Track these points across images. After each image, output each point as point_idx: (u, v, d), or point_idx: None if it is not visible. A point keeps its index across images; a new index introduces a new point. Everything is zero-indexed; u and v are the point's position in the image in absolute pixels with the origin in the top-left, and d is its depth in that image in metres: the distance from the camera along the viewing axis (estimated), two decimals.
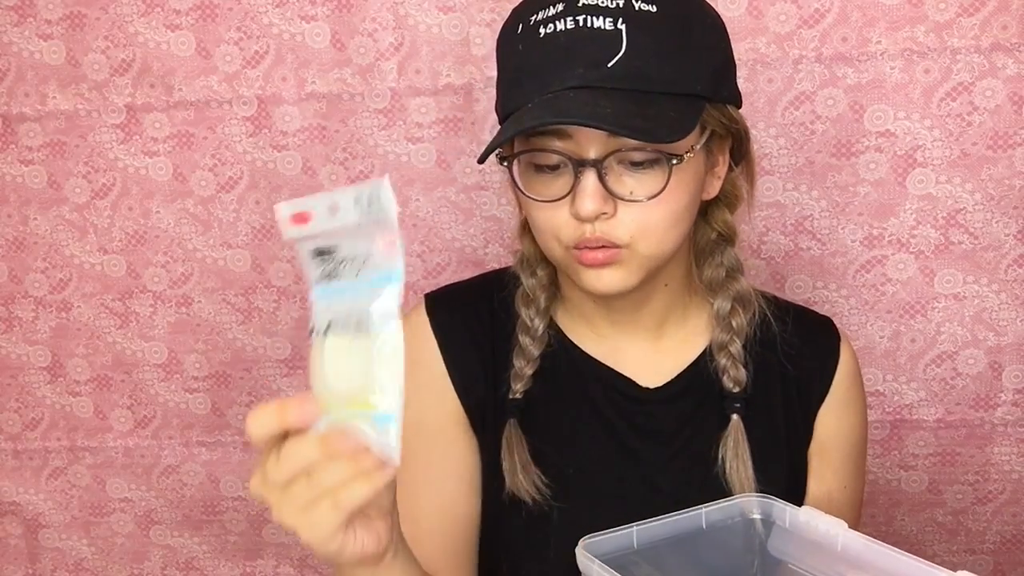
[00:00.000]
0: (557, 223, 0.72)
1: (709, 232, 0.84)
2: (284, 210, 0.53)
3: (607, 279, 0.73)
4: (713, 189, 0.79)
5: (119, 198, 1.39)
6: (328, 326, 0.52)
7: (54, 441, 1.47)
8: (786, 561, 0.70)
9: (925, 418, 1.32)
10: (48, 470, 1.48)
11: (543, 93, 0.69)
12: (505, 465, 0.78)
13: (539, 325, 0.81)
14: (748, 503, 0.72)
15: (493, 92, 1.35)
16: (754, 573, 0.73)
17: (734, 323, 0.83)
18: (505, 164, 0.75)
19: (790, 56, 1.25)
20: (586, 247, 0.72)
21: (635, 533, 0.67)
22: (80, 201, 1.40)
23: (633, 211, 0.71)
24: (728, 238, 0.84)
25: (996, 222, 1.26)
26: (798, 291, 1.31)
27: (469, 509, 0.82)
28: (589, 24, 0.68)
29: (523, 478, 0.77)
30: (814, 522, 0.66)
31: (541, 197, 0.72)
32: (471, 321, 0.83)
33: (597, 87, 0.68)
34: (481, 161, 0.73)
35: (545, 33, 0.70)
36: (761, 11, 1.24)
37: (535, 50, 0.70)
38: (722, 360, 0.82)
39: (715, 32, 0.75)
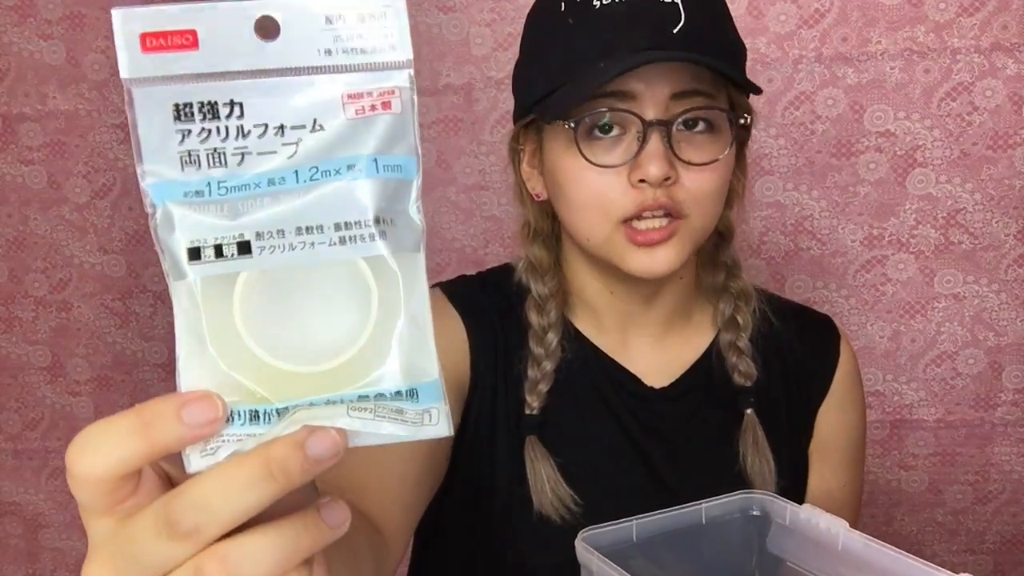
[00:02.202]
0: (612, 194, 0.71)
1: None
2: (129, 20, 0.31)
3: (661, 258, 0.72)
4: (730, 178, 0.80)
5: (119, 198, 1.39)
6: (239, 247, 0.32)
7: (54, 441, 1.47)
8: (785, 559, 0.69)
9: (925, 418, 1.32)
10: (48, 470, 1.48)
11: (609, 56, 0.69)
12: (532, 484, 0.77)
13: (553, 339, 0.80)
14: (748, 500, 0.72)
15: (493, 92, 1.35)
16: (753, 570, 0.72)
17: (739, 319, 0.83)
18: (570, 126, 0.71)
19: (790, 56, 1.25)
20: (645, 211, 0.70)
21: (635, 527, 0.67)
22: (80, 201, 1.40)
23: (693, 178, 0.71)
24: (727, 236, 0.84)
25: (996, 222, 1.26)
26: (798, 291, 1.31)
27: (431, 482, 0.79)
28: None
29: (552, 498, 0.76)
30: (814, 520, 0.66)
31: (600, 162, 0.71)
32: (484, 311, 0.82)
33: (666, 48, 0.68)
34: (547, 121, 0.73)
35: (601, 4, 0.70)
36: (761, 11, 1.24)
37: (591, 19, 0.70)
38: (731, 357, 0.82)
39: (737, 30, 0.78)
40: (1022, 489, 1.33)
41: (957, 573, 0.55)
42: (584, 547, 0.63)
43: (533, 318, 0.80)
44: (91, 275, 1.42)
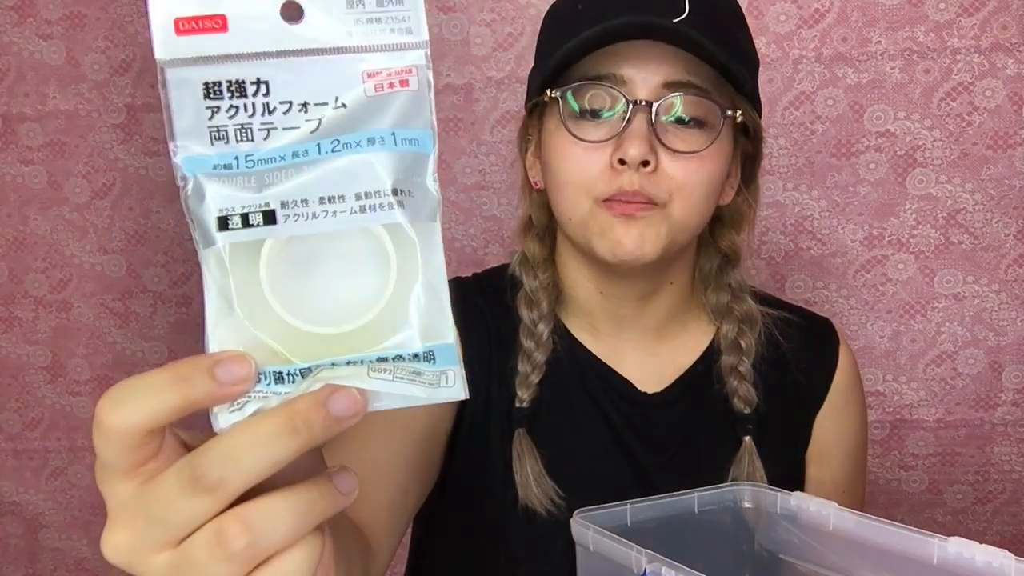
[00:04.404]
0: (592, 172, 0.71)
1: (714, 254, 0.84)
2: (164, 5, 0.32)
3: (635, 237, 0.71)
4: (727, 196, 0.79)
5: (119, 198, 1.39)
6: (265, 216, 0.33)
7: (54, 441, 1.47)
8: (778, 547, 0.70)
9: (925, 418, 1.32)
10: (48, 470, 1.48)
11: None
12: (517, 477, 0.77)
13: (543, 330, 0.80)
14: (740, 490, 0.72)
15: (493, 92, 1.35)
16: (744, 558, 0.73)
17: (743, 344, 0.82)
18: (554, 96, 0.73)
19: (790, 56, 1.25)
20: (622, 196, 0.70)
21: (628, 511, 0.68)
22: (80, 201, 1.40)
23: (676, 166, 0.71)
24: (733, 259, 0.84)
25: (996, 222, 1.26)
26: (798, 291, 1.31)
27: (420, 488, 0.79)
28: None
29: (537, 491, 0.76)
30: (804, 504, 0.67)
31: (584, 137, 0.72)
32: (477, 313, 0.82)
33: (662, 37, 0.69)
34: (534, 94, 0.74)
35: None
36: (761, 11, 1.24)
37: (598, 6, 0.71)
38: (732, 381, 0.81)
39: (752, 40, 0.78)
40: (1022, 489, 1.33)
41: (949, 537, 0.56)
42: (580, 523, 0.64)
43: (524, 312, 0.81)
44: (91, 275, 1.42)
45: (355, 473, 0.35)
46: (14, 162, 1.40)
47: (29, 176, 1.40)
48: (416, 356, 0.34)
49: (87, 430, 1.46)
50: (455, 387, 0.35)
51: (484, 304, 0.83)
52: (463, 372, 0.35)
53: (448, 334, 0.35)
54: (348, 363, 0.34)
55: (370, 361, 0.34)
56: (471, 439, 0.79)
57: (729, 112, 0.72)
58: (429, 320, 0.35)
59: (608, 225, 0.72)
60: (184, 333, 1.42)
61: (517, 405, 0.79)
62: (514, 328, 0.81)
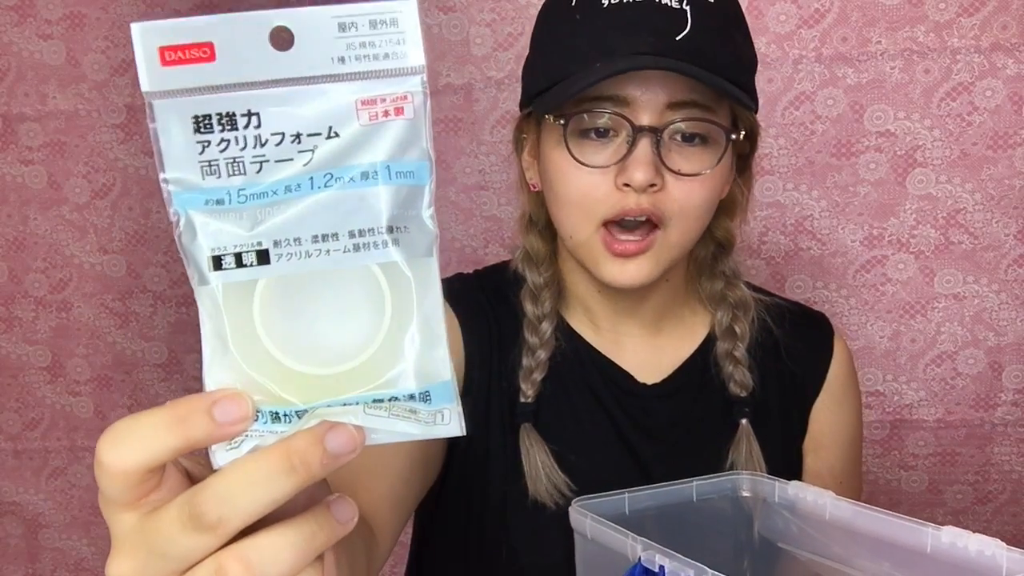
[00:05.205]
0: (596, 194, 0.72)
1: (709, 241, 0.84)
2: (148, 35, 0.32)
3: (633, 270, 0.73)
4: (723, 192, 0.80)
5: (119, 198, 1.39)
6: (258, 256, 0.33)
7: (54, 441, 1.47)
8: (776, 535, 0.70)
9: (925, 418, 1.32)
10: (48, 470, 1.48)
11: (608, 58, 0.69)
12: (527, 470, 0.78)
13: (547, 328, 0.81)
14: (738, 479, 0.73)
15: (493, 92, 1.34)
16: (742, 547, 0.73)
17: (737, 329, 0.83)
18: (559, 123, 0.72)
19: (790, 56, 1.25)
20: (627, 216, 0.71)
21: (627, 499, 0.68)
22: (80, 201, 1.40)
23: (681, 187, 0.71)
24: (727, 245, 0.84)
25: (996, 222, 1.26)
26: (798, 291, 1.31)
27: (422, 481, 0.79)
28: None
29: (547, 484, 0.77)
30: (802, 494, 0.68)
31: (587, 162, 0.72)
32: (479, 309, 0.83)
33: (666, 56, 0.68)
34: (523, 110, 0.75)
35: (610, 3, 0.70)
36: (761, 11, 1.24)
37: (598, 18, 0.70)
38: (728, 367, 0.82)
39: (751, 39, 0.78)
40: (1022, 489, 1.33)
41: (943, 526, 0.56)
42: (577, 511, 0.64)
43: (528, 307, 0.81)
44: (91, 275, 1.42)
45: (352, 501, 0.35)
46: (14, 162, 1.40)
47: (29, 176, 1.40)
48: (412, 396, 0.34)
49: (87, 430, 1.46)
50: (451, 424, 0.34)
51: (485, 301, 0.83)
52: (460, 409, 0.34)
53: (444, 372, 0.34)
54: (343, 404, 0.33)
55: (365, 402, 0.33)
56: (472, 434, 0.80)
57: (733, 136, 0.72)
58: (424, 360, 0.34)
59: (604, 260, 0.73)
60: (184, 333, 1.42)
61: (522, 400, 0.79)
62: (516, 324, 0.82)
